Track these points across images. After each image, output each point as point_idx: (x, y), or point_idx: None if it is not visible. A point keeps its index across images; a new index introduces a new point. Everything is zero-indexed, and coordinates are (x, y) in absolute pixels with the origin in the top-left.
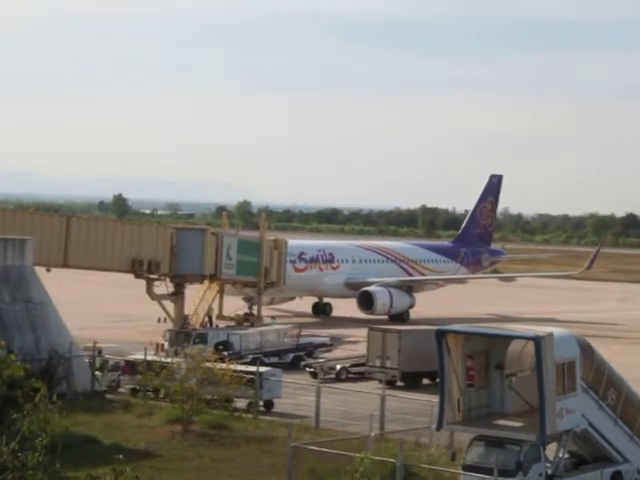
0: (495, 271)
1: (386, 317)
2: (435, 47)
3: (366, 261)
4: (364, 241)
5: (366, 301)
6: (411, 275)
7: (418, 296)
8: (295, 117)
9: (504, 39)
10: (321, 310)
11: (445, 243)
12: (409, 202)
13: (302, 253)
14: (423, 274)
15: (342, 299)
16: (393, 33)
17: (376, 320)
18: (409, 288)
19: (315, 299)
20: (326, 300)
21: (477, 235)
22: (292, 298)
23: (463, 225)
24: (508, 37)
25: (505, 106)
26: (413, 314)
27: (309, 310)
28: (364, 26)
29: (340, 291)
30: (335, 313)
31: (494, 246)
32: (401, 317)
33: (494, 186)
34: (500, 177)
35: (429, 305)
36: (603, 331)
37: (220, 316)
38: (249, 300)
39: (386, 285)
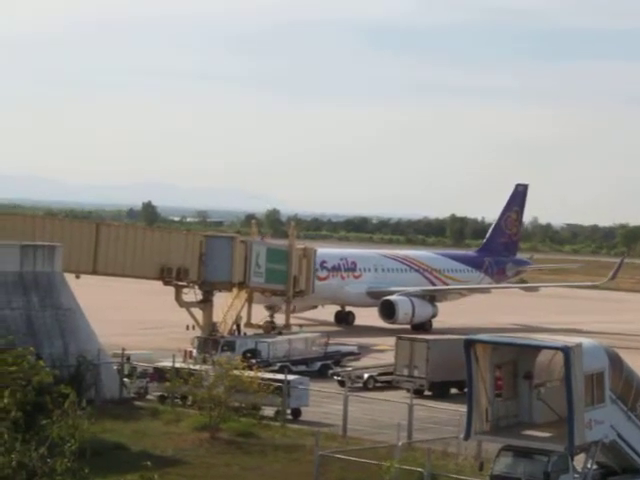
0: (522, 281)
1: (408, 326)
2: (462, 55)
3: (389, 270)
4: (388, 250)
5: (388, 310)
6: (434, 285)
7: (442, 305)
8: (324, 124)
9: (523, 48)
10: (344, 319)
11: (469, 253)
12: (438, 211)
13: (324, 262)
14: (447, 284)
15: (365, 308)
16: (418, 40)
17: (399, 329)
18: (432, 298)
19: (338, 308)
20: (349, 309)
21: (502, 245)
22: (314, 307)
23: (488, 234)
24: (527, 46)
25: (530, 115)
26: (437, 323)
27: (332, 319)
28: (390, 30)
29: (362, 300)
30: (358, 322)
31: (520, 256)
32: (424, 326)
33: (520, 195)
34: (526, 186)
35: (453, 314)
36: (629, 342)
37: (248, 324)
38: (271, 308)
39: (408, 294)
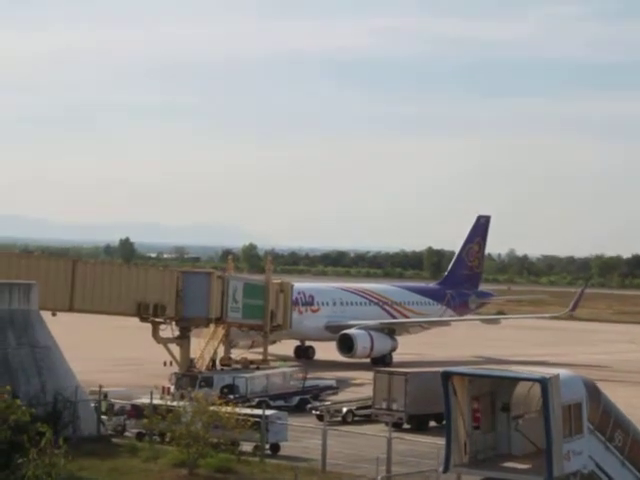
0: (500, 312)
1: (368, 360)
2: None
3: (348, 303)
4: (346, 283)
5: (346, 344)
6: (395, 318)
7: (405, 339)
8: (296, 160)
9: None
10: (303, 353)
11: (431, 285)
12: (415, 244)
13: None
14: (407, 316)
15: (325, 342)
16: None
17: (359, 363)
18: (391, 331)
19: (297, 342)
20: (308, 343)
21: (464, 277)
22: (273, 342)
23: (450, 266)
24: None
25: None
26: (406, 357)
27: (291, 353)
28: (356, 65)
29: (320, 334)
30: (318, 356)
31: (483, 288)
32: (384, 360)
33: (482, 227)
34: (488, 218)
35: (418, 347)
36: (605, 372)
37: (227, 359)
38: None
39: (367, 328)
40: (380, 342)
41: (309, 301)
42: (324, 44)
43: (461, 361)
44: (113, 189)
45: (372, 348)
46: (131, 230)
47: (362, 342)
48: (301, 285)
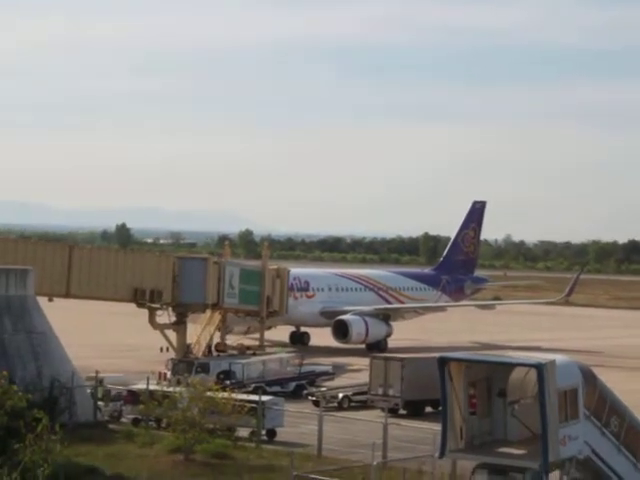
0: (496, 297)
1: (363, 346)
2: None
3: (343, 289)
4: (342, 269)
5: (341, 330)
6: (390, 303)
7: (400, 324)
8: (295, 146)
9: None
10: (299, 339)
11: (426, 271)
12: (412, 229)
13: None
14: (402, 302)
15: (320, 328)
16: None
17: (355, 349)
18: (386, 316)
19: (292, 328)
20: (303, 329)
21: (459, 262)
22: (269, 327)
23: (445, 252)
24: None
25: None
26: (402, 343)
27: (287, 339)
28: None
29: (316, 320)
30: (313, 342)
31: (479, 273)
32: (378, 346)
33: (477, 212)
34: (483, 203)
35: (413, 333)
36: (602, 358)
37: (223, 345)
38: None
39: (362, 314)
40: (375, 328)
41: (304, 287)
42: (319, 31)
43: (457, 347)
44: (111, 175)
45: (367, 334)
46: (128, 216)
47: (357, 328)
48: (296, 271)
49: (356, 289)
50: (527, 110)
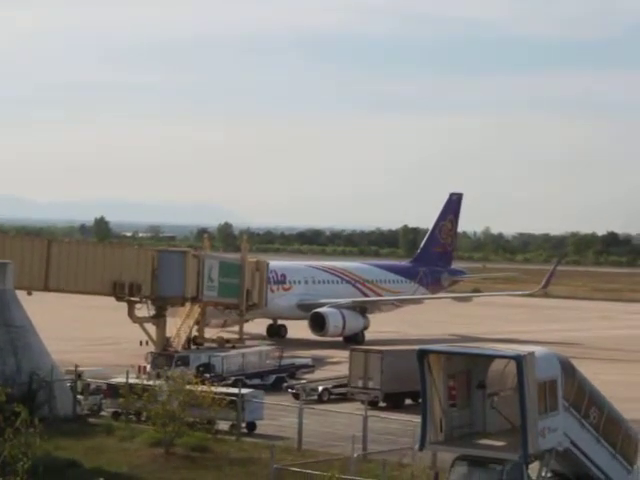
0: (476, 290)
1: (340, 339)
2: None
3: (319, 282)
4: (318, 262)
5: (318, 323)
6: (367, 296)
7: (378, 317)
8: (273, 140)
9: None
10: (276, 332)
11: (403, 263)
12: (392, 222)
13: None
14: (380, 294)
15: (297, 321)
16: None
17: (333, 342)
18: (363, 309)
19: (270, 321)
20: (280, 322)
21: (436, 254)
22: (246, 320)
23: (422, 244)
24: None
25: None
26: (380, 335)
27: (264, 332)
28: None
29: (293, 313)
30: (290, 335)
31: (456, 265)
32: (355, 339)
33: (454, 204)
34: (460, 195)
35: (391, 326)
36: (581, 350)
37: (201, 338)
38: (197, 323)
39: (339, 306)
40: (352, 320)
41: (281, 280)
42: (294, 20)
43: (436, 339)
44: (89, 168)
45: (344, 326)
46: (107, 209)
47: (334, 321)
48: (273, 264)
49: (333, 282)
50: (510, 101)
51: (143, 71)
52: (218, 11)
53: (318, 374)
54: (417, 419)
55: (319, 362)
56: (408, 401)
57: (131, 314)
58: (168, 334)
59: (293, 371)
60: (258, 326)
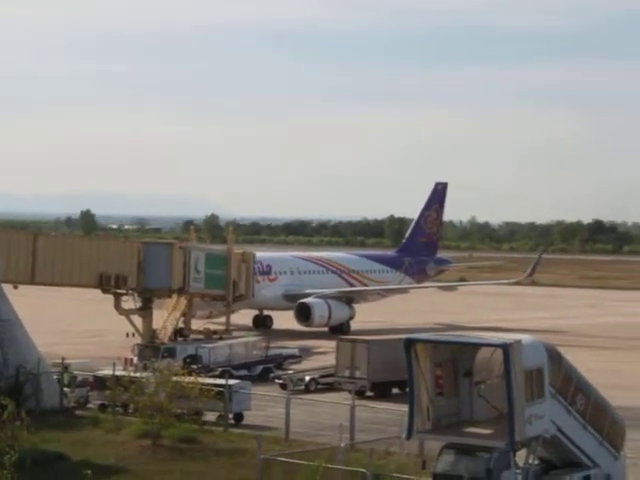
0: (463, 279)
1: (326, 329)
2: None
3: (305, 272)
4: (303, 252)
5: (304, 313)
6: (352, 286)
7: (364, 307)
8: (263, 132)
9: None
10: (261, 323)
11: (389, 253)
12: (378, 212)
13: None
14: (365, 284)
15: (282, 311)
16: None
17: (319, 332)
18: (349, 299)
19: (255, 312)
20: (266, 313)
21: (422, 244)
22: (232, 311)
23: (407, 234)
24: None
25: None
26: (367, 325)
27: (250, 323)
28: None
29: (278, 303)
30: (276, 325)
31: (441, 255)
32: (341, 329)
33: (439, 194)
34: (445, 185)
35: (377, 315)
36: (565, 337)
37: (187, 329)
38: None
39: (324, 297)
40: (338, 311)
41: (266, 270)
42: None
43: (422, 328)
44: (74, 161)
45: (330, 317)
46: (92, 202)
47: (319, 311)
48: (259, 254)
49: (319, 272)
50: (497, 92)
51: (129, 64)
52: (203, 5)
53: (305, 364)
54: (404, 408)
55: (306, 352)
56: (395, 390)
57: (117, 306)
58: (155, 326)
59: (280, 362)
60: (244, 317)
